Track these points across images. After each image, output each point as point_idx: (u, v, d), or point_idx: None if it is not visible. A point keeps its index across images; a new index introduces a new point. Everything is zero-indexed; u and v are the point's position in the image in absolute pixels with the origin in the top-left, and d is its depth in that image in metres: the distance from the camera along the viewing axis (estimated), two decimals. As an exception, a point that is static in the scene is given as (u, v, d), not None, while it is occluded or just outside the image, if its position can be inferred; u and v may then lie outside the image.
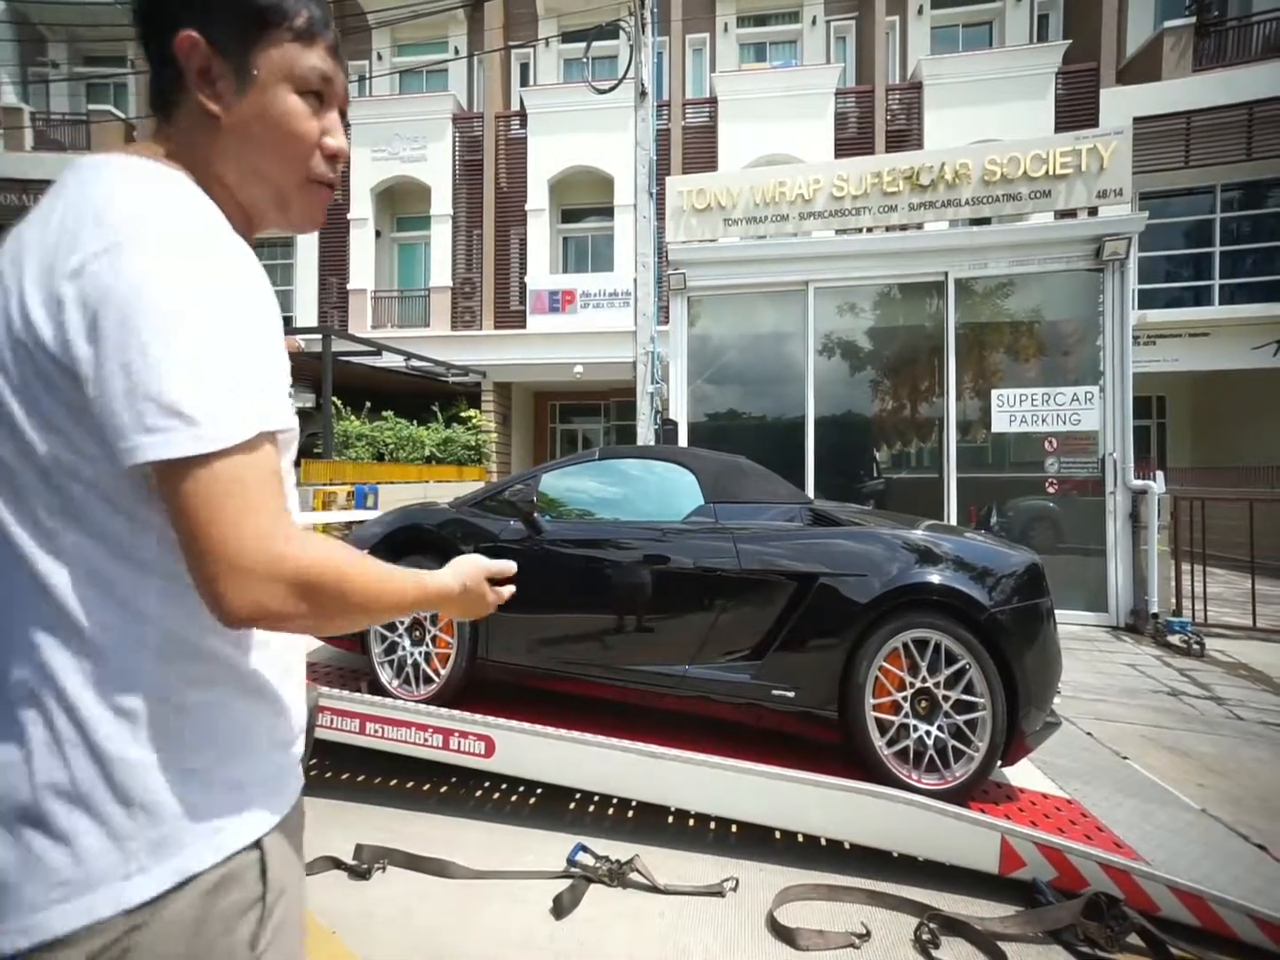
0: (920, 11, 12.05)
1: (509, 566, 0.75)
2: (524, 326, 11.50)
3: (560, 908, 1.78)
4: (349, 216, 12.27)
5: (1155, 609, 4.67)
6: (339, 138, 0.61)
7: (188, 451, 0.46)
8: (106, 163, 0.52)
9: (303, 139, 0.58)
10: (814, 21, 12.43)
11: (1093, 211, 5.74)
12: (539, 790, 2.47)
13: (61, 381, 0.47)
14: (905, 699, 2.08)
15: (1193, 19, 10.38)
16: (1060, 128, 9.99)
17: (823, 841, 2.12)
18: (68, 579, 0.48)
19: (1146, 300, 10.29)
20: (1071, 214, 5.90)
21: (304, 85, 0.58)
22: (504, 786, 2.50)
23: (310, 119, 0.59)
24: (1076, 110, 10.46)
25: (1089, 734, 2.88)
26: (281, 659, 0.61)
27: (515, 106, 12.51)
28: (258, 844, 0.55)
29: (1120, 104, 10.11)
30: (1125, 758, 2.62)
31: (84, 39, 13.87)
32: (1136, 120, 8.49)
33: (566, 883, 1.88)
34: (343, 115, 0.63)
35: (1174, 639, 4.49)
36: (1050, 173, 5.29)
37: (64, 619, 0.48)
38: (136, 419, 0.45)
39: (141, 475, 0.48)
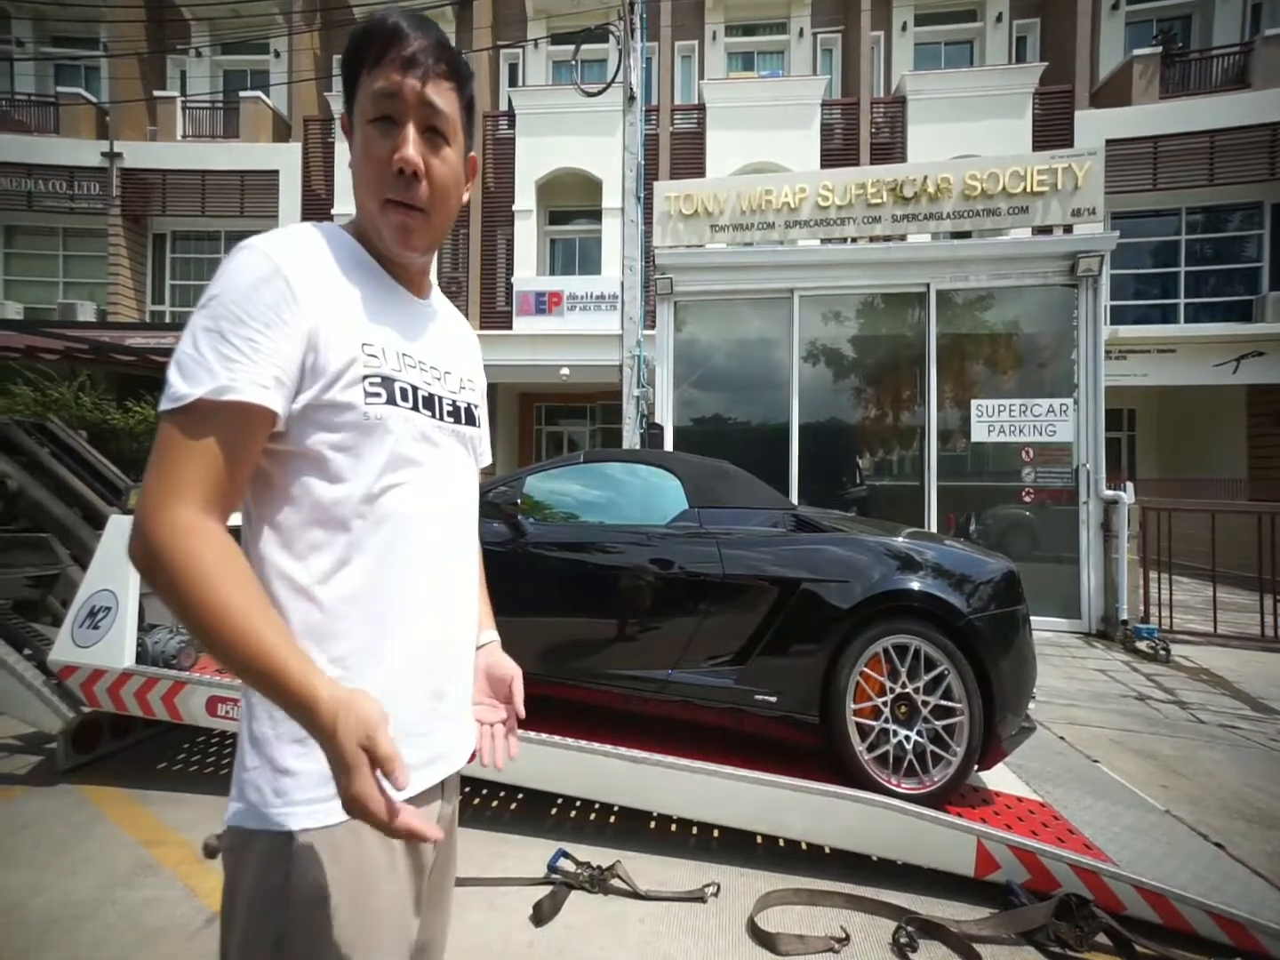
0: (904, 28, 12.31)
1: (394, 765, 0.49)
2: (510, 327, 11.42)
3: (540, 915, 1.77)
4: (333, 212, 12.08)
5: (1125, 616, 4.81)
6: (403, 148, 0.61)
7: (163, 407, 0.56)
8: None
9: (374, 162, 0.62)
10: (801, 33, 12.61)
11: (1067, 229, 5.92)
12: (519, 795, 2.45)
13: None
14: (885, 704, 2.10)
15: (1159, 48, 10.79)
16: (1037, 146, 10.28)
17: (803, 846, 2.14)
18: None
19: (1117, 316, 10.64)
20: (1047, 230, 6.08)
21: (372, 114, 0.61)
22: (484, 792, 2.47)
23: (379, 142, 0.62)
24: (1052, 130, 10.78)
25: (1062, 738, 2.95)
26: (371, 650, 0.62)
27: (503, 107, 12.46)
28: (289, 834, 0.57)
29: (1093, 125, 10.46)
30: (1095, 761, 2.68)
31: (51, 17, 13.39)
32: (1108, 142, 8.81)
33: (547, 889, 1.86)
34: (435, 130, 0.63)
35: (1142, 645, 4.63)
36: (1028, 189, 5.44)
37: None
38: None
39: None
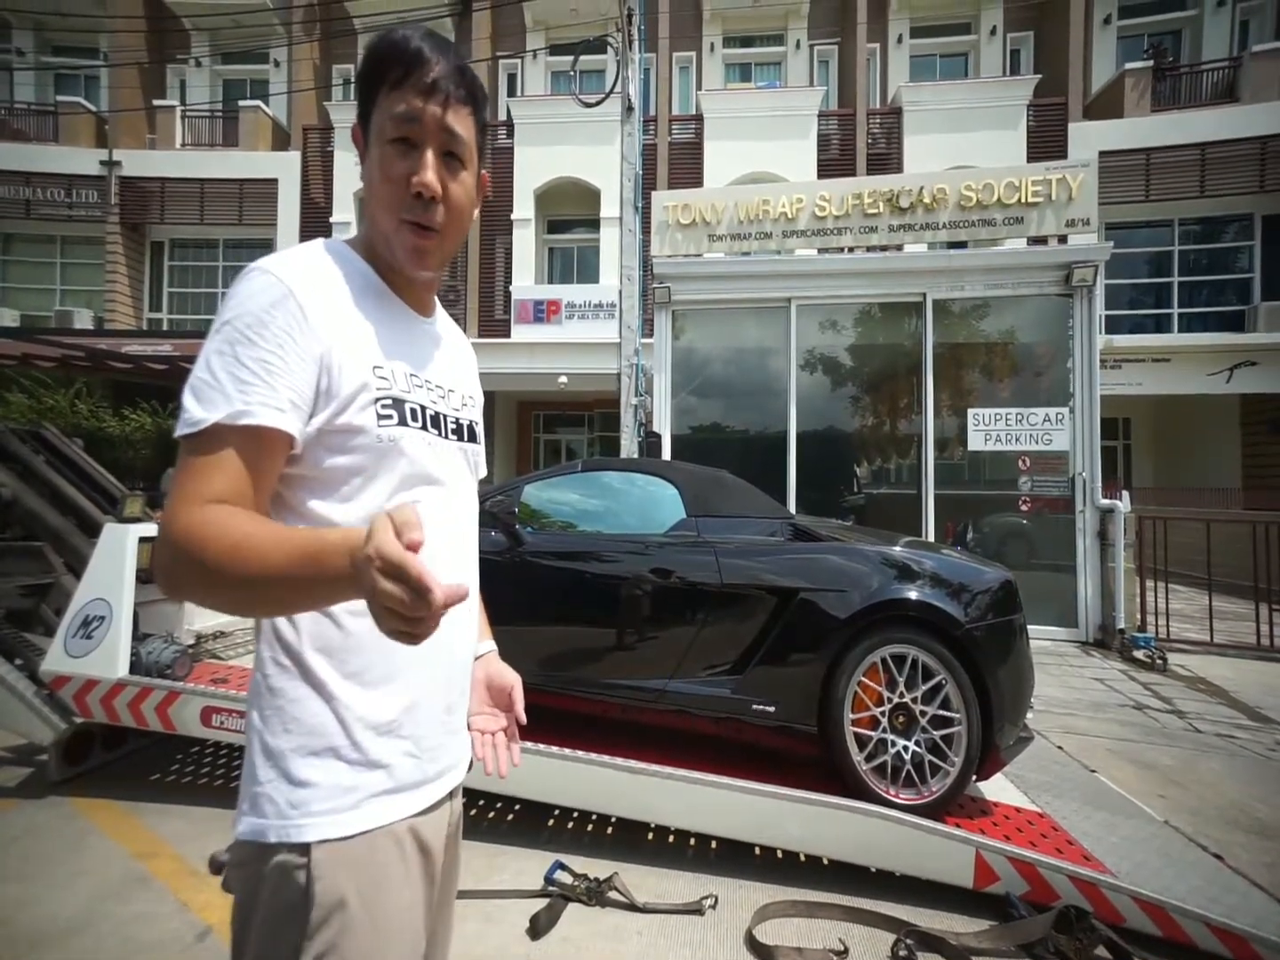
0: (900, 40, 12.47)
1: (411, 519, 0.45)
2: (508, 336, 11.45)
3: (537, 928, 1.75)
4: (331, 220, 12.13)
5: (1122, 624, 4.81)
6: (422, 173, 0.62)
7: (179, 432, 0.57)
8: None
9: (391, 182, 0.63)
10: (798, 45, 12.76)
11: (1062, 239, 5.97)
12: (516, 806, 2.43)
13: None
14: (883, 714, 2.10)
15: (1151, 62, 10.96)
16: (1032, 157, 10.40)
17: (801, 857, 2.12)
18: None
19: (1112, 326, 10.72)
20: (1042, 241, 6.12)
21: (392, 135, 0.62)
22: (481, 802, 2.46)
23: (398, 162, 0.62)
24: (1046, 141, 10.90)
25: (1060, 748, 2.95)
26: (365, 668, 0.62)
27: (502, 116, 12.56)
28: (306, 846, 0.58)
29: (1087, 137, 10.59)
30: (1094, 771, 2.68)
31: (52, 27, 13.46)
32: (1101, 154, 8.90)
33: (544, 902, 1.85)
34: (452, 154, 0.64)
35: (1139, 654, 4.63)
36: (1022, 200, 5.49)
37: None
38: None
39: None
